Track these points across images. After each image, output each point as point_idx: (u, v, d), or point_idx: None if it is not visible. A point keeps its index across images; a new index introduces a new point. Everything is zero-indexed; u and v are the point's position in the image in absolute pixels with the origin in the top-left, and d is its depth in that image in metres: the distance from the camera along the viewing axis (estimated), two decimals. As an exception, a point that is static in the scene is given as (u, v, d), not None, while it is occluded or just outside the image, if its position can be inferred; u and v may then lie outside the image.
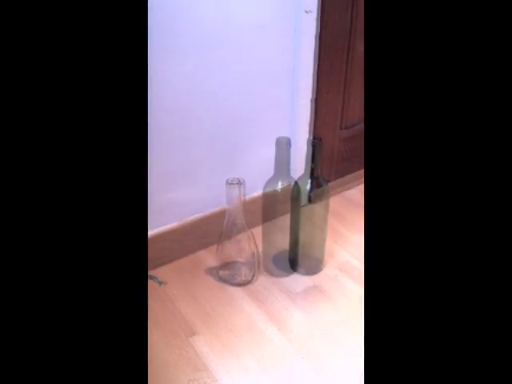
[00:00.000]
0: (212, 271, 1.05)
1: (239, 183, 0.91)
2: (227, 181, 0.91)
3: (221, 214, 1.08)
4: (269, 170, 1.05)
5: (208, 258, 1.10)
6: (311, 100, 1.15)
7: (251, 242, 0.99)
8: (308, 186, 0.93)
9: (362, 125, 1.30)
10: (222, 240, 0.99)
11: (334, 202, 1.33)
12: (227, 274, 1.03)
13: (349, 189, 1.37)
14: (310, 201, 0.93)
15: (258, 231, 1.06)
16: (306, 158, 0.91)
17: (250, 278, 1.02)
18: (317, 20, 1.05)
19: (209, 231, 1.10)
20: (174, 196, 1.03)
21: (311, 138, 0.89)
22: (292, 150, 1.19)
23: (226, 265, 1.03)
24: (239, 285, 1.01)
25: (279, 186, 0.97)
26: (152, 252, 1.03)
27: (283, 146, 0.93)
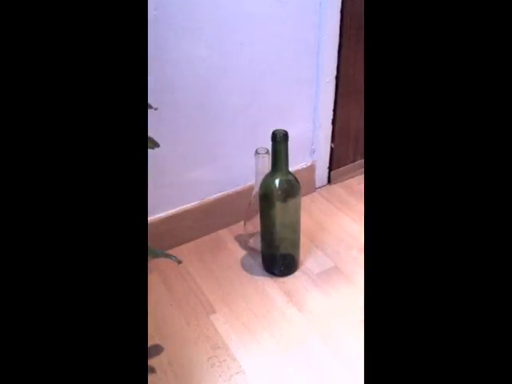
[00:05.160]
0: (233, 250, 1.06)
1: (268, 153, 0.90)
2: (256, 150, 0.90)
3: (242, 193, 1.08)
4: (291, 148, 1.03)
5: (229, 237, 1.10)
6: (336, 77, 1.12)
7: None
8: (277, 183, 0.87)
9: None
10: (250, 211, 0.98)
11: (359, 182, 1.31)
12: (256, 242, 1.01)
13: (374, 169, 1.33)
14: (280, 198, 0.88)
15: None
16: (273, 153, 0.85)
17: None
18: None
19: (230, 210, 1.10)
20: (195, 175, 1.03)
21: (275, 132, 0.82)
22: (315, 129, 1.18)
23: (255, 235, 1.02)
24: None
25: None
26: (173, 231, 1.04)
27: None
